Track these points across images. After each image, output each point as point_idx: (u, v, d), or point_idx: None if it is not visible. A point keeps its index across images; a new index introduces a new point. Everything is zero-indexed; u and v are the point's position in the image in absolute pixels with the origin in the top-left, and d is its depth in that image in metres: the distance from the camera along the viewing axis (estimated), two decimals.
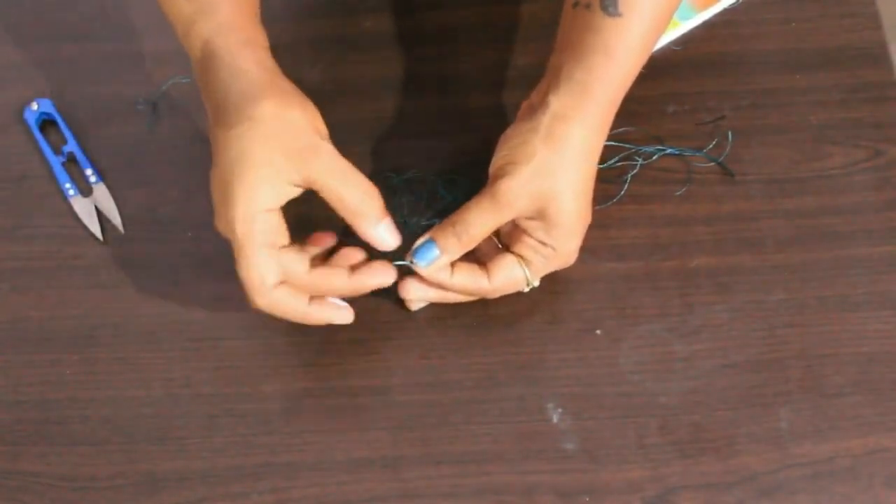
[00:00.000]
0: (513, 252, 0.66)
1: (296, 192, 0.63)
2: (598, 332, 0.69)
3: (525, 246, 0.65)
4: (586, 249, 0.71)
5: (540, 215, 0.63)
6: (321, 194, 0.63)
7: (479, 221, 0.64)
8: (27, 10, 0.84)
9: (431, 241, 0.64)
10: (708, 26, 0.79)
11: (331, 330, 0.69)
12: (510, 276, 0.66)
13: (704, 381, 0.67)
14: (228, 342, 0.70)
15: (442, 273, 0.65)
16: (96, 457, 0.67)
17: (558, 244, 0.64)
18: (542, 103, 0.64)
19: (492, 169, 0.65)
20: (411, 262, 0.65)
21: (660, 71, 0.77)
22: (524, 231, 0.65)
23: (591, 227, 0.72)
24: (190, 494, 0.66)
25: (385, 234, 0.64)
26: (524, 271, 0.66)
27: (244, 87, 0.63)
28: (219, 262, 0.73)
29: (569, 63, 0.64)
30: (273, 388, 0.69)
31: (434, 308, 0.70)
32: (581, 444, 0.66)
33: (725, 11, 0.79)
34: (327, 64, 0.80)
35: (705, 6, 0.79)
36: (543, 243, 0.64)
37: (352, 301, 0.70)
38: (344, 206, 0.63)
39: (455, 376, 0.68)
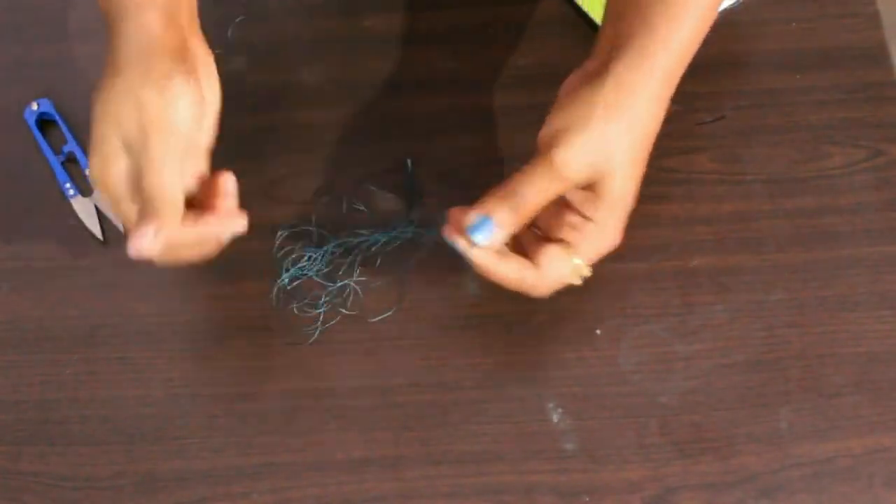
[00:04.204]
0: (555, 240, 0.62)
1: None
2: (598, 332, 0.69)
3: (567, 227, 0.62)
4: None
5: (591, 187, 0.60)
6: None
7: (533, 192, 0.59)
8: (27, 10, 0.84)
9: (486, 216, 0.59)
10: None
11: (331, 330, 0.69)
12: (557, 264, 0.61)
13: (704, 381, 0.67)
14: (228, 342, 0.70)
15: (490, 258, 0.61)
16: (96, 457, 0.67)
17: (603, 219, 0.61)
18: (603, 70, 0.61)
19: (544, 135, 0.61)
20: (467, 243, 0.60)
21: None
22: (567, 206, 0.62)
23: None
24: (190, 494, 0.66)
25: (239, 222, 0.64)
26: (572, 259, 0.62)
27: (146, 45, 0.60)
28: (219, 262, 0.73)
29: (629, 27, 0.61)
30: (273, 388, 0.69)
31: (434, 308, 0.70)
32: (581, 444, 0.66)
33: (725, 11, 0.79)
34: (327, 64, 0.80)
35: None
36: (587, 218, 0.61)
37: (352, 301, 0.70)
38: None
39: (455, 376, 0.68)
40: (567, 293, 0.70)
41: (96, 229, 0.74)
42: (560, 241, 0.62)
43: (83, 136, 0.77)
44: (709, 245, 0.71)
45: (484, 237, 0.60)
